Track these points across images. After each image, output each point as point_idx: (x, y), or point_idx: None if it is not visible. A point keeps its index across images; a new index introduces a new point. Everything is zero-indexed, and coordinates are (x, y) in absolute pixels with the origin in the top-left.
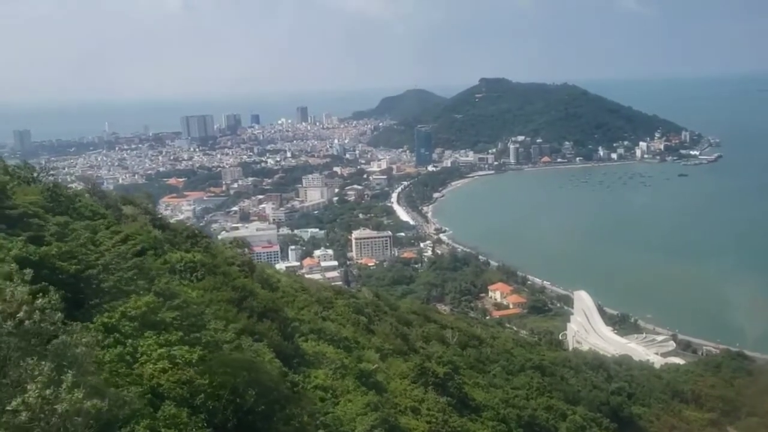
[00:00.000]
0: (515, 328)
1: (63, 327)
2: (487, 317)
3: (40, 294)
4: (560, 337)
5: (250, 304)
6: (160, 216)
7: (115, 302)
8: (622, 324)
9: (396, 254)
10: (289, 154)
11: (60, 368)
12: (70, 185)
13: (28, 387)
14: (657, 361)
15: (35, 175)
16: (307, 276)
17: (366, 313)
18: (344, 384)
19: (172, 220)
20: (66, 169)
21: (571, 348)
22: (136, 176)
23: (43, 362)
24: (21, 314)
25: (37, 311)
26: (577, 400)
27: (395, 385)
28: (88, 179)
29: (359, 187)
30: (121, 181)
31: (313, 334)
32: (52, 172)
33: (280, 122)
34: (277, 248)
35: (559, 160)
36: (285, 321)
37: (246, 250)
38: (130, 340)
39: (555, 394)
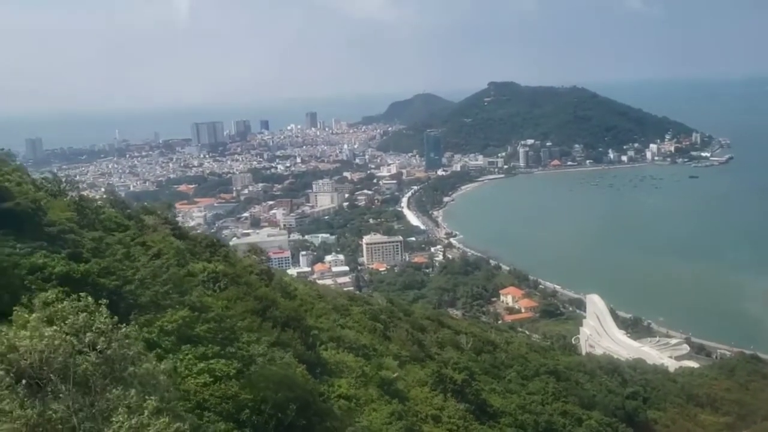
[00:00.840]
0: (528, 333)
1: (140, 354)
2: (499, 321)
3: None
4: (573, 341)
5: (273, 314)
6: (179, 225)
7: (152, 317)
8: (634, 327)
9: (407, 259)
10: (298, 160)
11: (143, 395)
12: (82, 193)
13: (114, 418)
14: (671, 364)
15: (61, 187)
16: (318, 281)
17: (381, 319)
18: (367, 393)
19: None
20: (78, 177)
21: (584, 352)
22: (147, 183)
23: (129, 391)
24: (102, 344)
25: (116, 341)
26: (593, 405)
27: (415, 393)
28: (112, 191)
29: (369, 192)
30: (132, 189)
31: (333, 342)
32: (77, 184)
33: (289, 128)
34: (288, 254)
35: (569, 163)
36: (307, 330)
37: (263, 258)
38: (171, 355)
39: (570, 399)
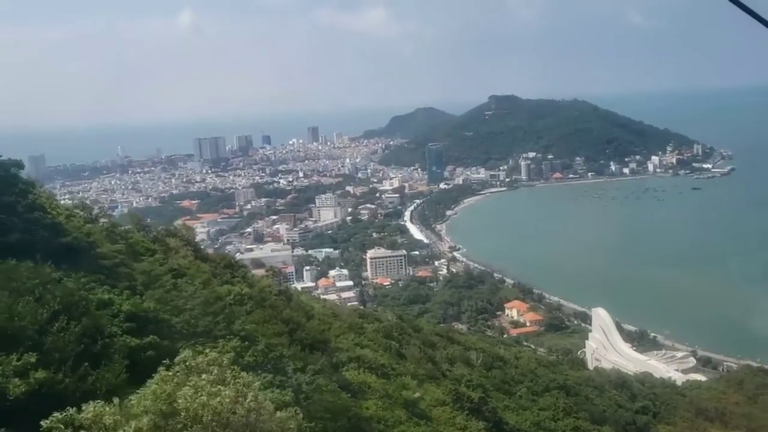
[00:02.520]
0: (533, 347)
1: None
2: (505, 335)
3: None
4: (579, 355)
5: (300, 336)
6: (200, 247)
7: (204, 347)
8: (640, 340)
9: (411, 273)
10: (301, 174)
11: None
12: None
13: None
14: (678, 378)
15: (93, 213)
16: (323, 297)
17: (394, 337)
18: (395, 414)
19: None
20: (81, 193)
21: (591, 366)
22: (150, 199)
23: None
24: (251, 398)
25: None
26: (603, 420)
27: (438, 413)
28: (135, 216)
29: (372, 206)
30: (135, 205)
31: (353, 362)
32: (109, 211)
33: (291, 142)
34: (292, 269)
35: (571, 175)
36: (332, 352)
37: (281, 278)
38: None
39: (581, 414)
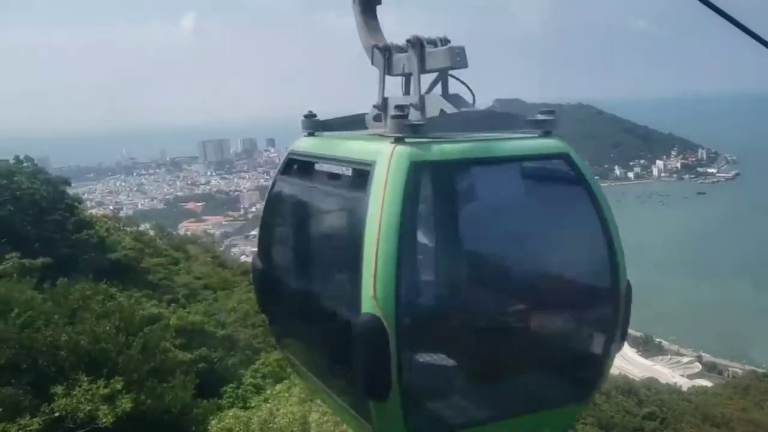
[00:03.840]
0: None
1: None
2: None
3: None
4: None
5: None
6: (218, 254)
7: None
8: (645, 345)
9: None
10: None
11: None
12: (90, 210)
13: None
14: (684, 383)
15: (120, 224)
16: None
17: None
18: None
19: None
20: (86, 195)
21: None
22: (155, 201)
23: None
24: None
25: None
26: (611, 426)
27: None
28: (159, 226)
29: None
30: (140, 207)
31: None
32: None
33: None
34: None
35: None
36: None
37: None
38: (271, 399)
39: (588, 420)
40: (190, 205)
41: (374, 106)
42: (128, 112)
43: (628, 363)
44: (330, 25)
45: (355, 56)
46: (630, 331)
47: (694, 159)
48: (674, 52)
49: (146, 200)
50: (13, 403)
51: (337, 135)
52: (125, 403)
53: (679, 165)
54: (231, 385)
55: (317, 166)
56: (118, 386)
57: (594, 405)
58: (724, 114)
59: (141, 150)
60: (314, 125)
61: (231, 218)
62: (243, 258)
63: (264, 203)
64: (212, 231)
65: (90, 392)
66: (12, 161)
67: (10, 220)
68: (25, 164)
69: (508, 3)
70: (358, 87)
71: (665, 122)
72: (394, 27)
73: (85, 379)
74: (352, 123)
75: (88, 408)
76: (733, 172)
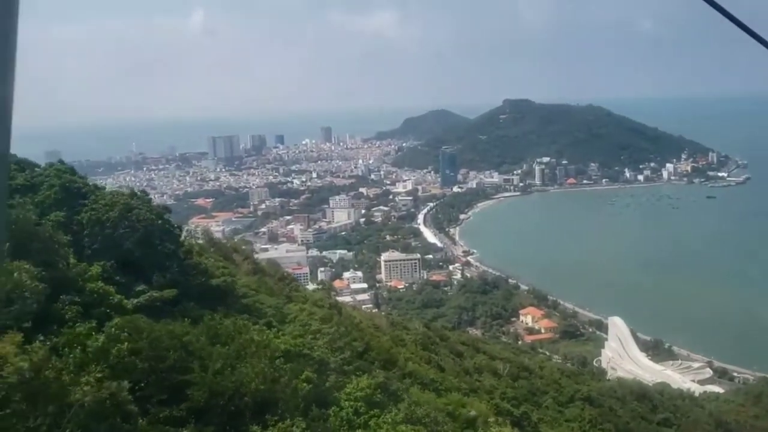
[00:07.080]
0: (548, 353)
1: None
2: (520, 342)
3: None
4: (594, 363)
5: (372, 357)
6: (257, 262)
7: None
8: (655, 350)
9: (425, 277)
10: (314, 175)
11: None
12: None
13: None
14: (695, 389)
15: (185, 237)
16: (338, 298)
17: (432, 348)
18: None
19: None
20: None
21: (608, 375)
22: (165, 197)
23: None
24: None
25: None
26: None
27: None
28: (207, 233)
29: (385, 209)
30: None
31: (406, 378)
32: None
33: (304, 143)
34: (306, 270)
35: (585, 181)
36: (402, 372)
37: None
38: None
39: (606, 426)
40: (200, 201)
41: None
42: (137, 106)
43: (639, 367)
44: (340, 22)
45: (363, 53)
46: (639, 334)
47: (704, 162)
48: (683, 53)
49: (156, 195)
50: None
51: None
52: None
53: (689, 168)
54: (334, 407)
55: None
56: (303, 425)
57: (610, 410)
58: (736, 116)
59: (150, 144)
60: None
61: (241, 215)
62: (254, 255)
63: None
64: (222, 227)
65: None
66: (125, 191)
67: (131, 252)
68: (135, 197)
69: (518, 3)
70: (367, 84)
71: (675, 124)
72: (400, 24)
73: (273, 419)
74: None
75: None
76: (744, 176)
